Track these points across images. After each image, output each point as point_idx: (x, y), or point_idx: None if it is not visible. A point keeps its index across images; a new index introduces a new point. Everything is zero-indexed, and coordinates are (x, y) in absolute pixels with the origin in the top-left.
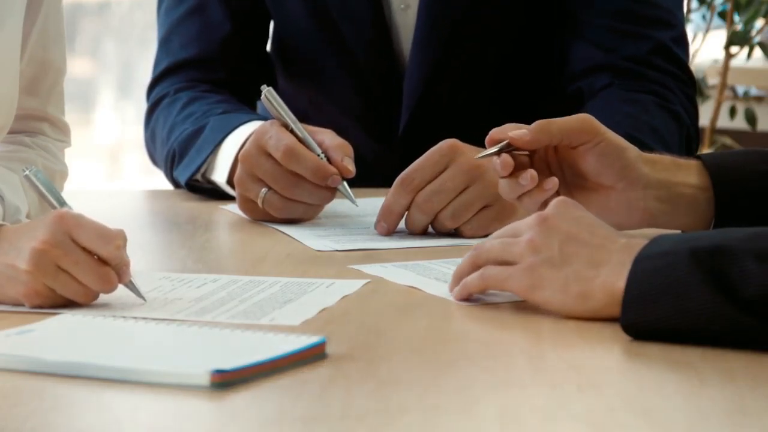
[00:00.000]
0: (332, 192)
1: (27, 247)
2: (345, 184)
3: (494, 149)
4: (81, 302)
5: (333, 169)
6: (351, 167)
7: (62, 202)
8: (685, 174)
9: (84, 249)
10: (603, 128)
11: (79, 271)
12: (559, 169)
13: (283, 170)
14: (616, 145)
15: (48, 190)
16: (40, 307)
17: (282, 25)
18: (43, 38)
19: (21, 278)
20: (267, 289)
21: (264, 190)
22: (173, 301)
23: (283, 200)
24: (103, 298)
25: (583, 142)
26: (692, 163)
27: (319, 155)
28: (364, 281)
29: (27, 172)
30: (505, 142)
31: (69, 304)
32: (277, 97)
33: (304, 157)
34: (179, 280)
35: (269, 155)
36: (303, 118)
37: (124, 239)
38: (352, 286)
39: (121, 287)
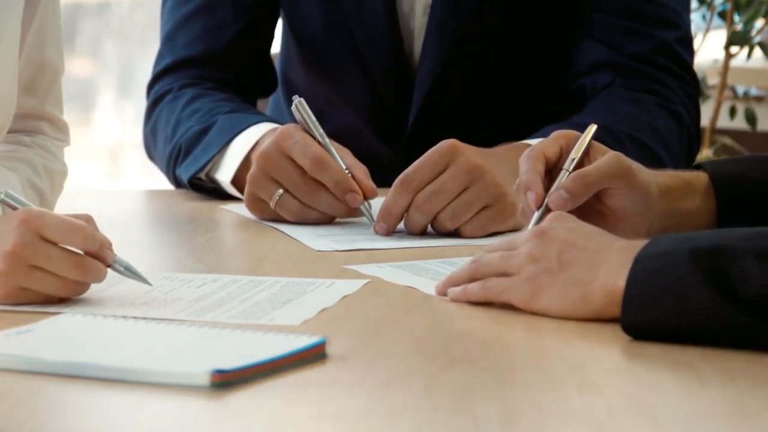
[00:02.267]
0: (349, 208)
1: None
2: (366, 204)
3: (537, 215)
4: (65, 295)
5: (356, 186)
6: (374, 187)
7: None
8: (694, 199)
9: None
10: (633, 170)
11: (52, 264)
12: None
13: (305, 176)
14: (643, 188)
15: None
16: (19, 304)
17: (296, 27)
18: (40, 38)
19: None
20: (267, 289)
21: (279, 191)
22: (173, 301)
23: (300, 205)
24: (104, 297)
25: (614, 187)
26: (701, 184)
27: (344, 170)
28: (364, 281)
29: (1, 196)
30: (545, 207)
31: (56, 300)
32: (308, 109)
33: (331, 168)
34: (179, 280)
35: (290, 159)
36: (319, 117)
37: (92, 224)
38: (352, 286)
39: (123, 279)
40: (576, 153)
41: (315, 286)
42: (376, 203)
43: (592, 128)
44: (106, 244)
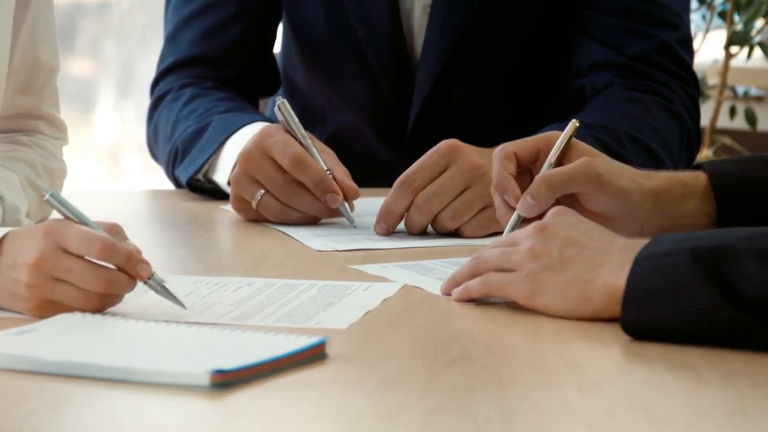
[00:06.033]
0: (330, 208)
1: (24, 263)
2: (345, 205)
3: (514, 220)
4: (92, 308)
5: (336, 187)
6: (356, 188)
7: (84, 221)
8: (689, 201)
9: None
10: (604, 176)
11: (73, 276)
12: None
13: (285, 177)
14: (619, 193)
15: (69, 210)
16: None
17: (298, 27)
18: (33, 38)
19: (23, 294)
20: (305, 293)
21: (261, 192)
22: (213, 305)
23: (280, 206)
24: (143, 301)
25: (584, 192)
26: (699, 185)
27: (325, 170)
28: (400, 284)
29: (46, 196)
30: (516, 216)
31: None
32: (290, 110)
33: (310, 168)
34: (214, 283)
35: (271, 159)
36: (320, 117)
37: (119, 234)
38: (389, 289)
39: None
40: (552, 157)
41: (352, 290)
42: (377, 203)
43: (573, 126)
44: (134, 258)
